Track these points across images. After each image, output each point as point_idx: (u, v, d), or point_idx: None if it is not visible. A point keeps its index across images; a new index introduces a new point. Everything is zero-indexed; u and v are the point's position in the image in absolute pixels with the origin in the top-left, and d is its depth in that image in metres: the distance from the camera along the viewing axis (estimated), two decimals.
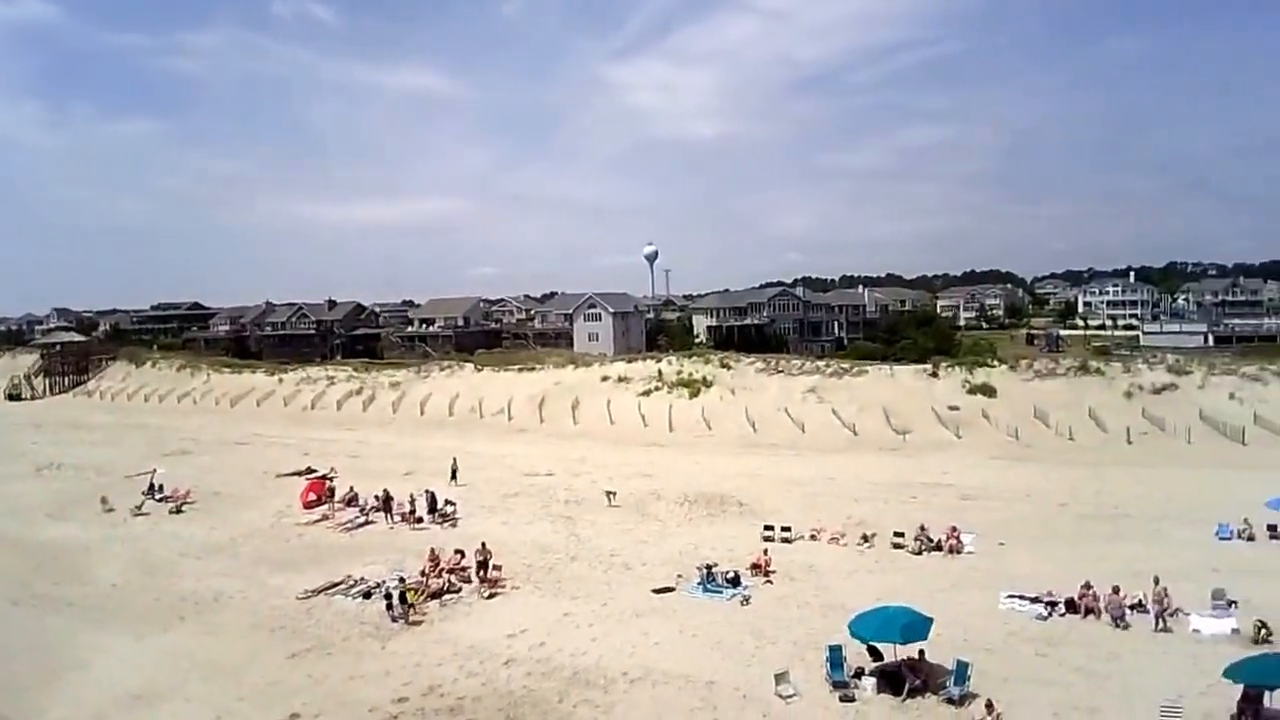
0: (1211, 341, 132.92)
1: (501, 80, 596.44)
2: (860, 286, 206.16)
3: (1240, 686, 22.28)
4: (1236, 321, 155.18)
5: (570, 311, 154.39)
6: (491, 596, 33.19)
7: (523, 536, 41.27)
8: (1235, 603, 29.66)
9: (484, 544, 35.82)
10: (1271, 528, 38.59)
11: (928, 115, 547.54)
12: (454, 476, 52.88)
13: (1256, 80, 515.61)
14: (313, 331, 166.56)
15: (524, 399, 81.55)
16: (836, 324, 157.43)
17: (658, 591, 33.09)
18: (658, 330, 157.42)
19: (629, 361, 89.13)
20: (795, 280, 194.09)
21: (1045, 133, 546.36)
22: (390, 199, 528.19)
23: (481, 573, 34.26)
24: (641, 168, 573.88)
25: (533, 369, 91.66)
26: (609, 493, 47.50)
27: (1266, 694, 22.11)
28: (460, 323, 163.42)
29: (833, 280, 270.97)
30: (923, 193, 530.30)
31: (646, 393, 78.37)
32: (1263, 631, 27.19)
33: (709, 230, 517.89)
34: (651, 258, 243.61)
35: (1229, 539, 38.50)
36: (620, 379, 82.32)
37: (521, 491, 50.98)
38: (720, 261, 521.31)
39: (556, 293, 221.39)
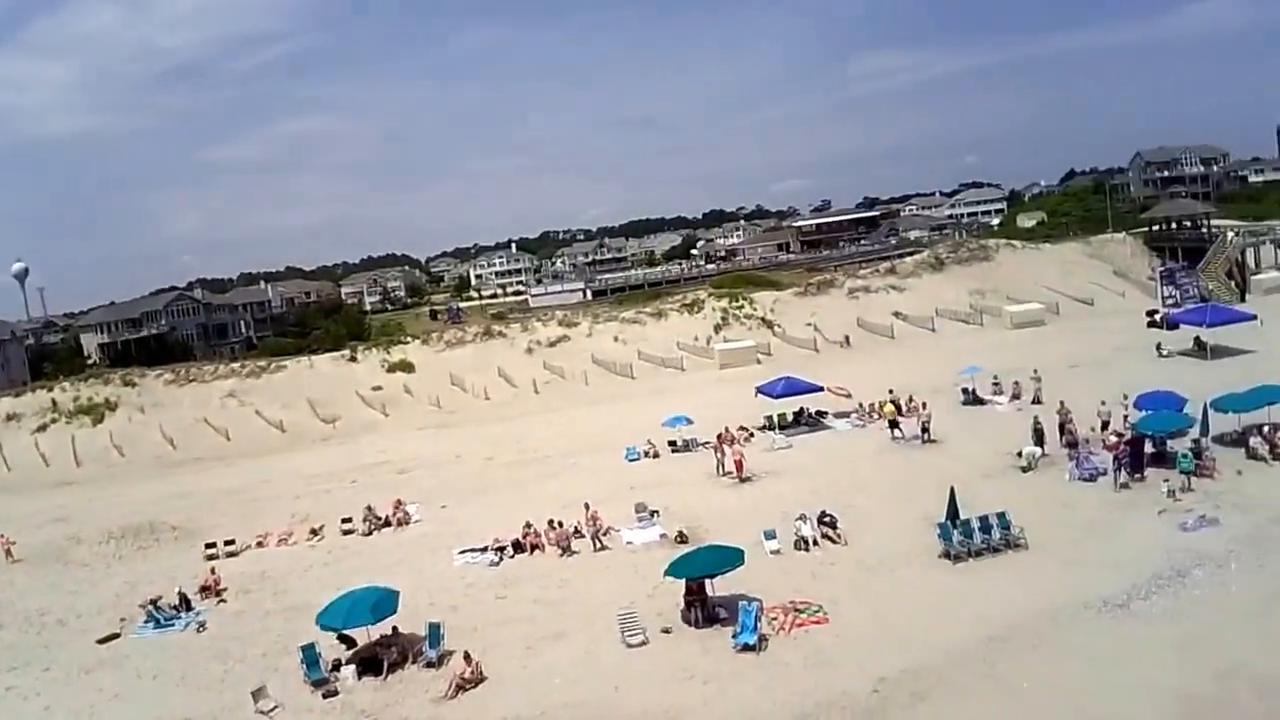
0: (590, 295, 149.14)
1: None
2: (262, 282, 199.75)
3: (682, 582, 25.58)
4: (607, 276, 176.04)
5: None
6: None
7: None
8: (657, 512, 34.38)
9: None
10: (671, 443, 44.81)
11: (309, 105, 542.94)
12: None
13: (608, 65, 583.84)
14: None
15: None
16: (243, 323, 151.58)
17: (103, 641, 29.85)
18: (41, 356, 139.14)
19: (15, 396, 77.47)
20: (191, 283, 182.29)
21: (425, 118, 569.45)
22: None
23: None
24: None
25: None
26: (8, 548, 41.52)
27: (707, 582, 25.59)
28: None
29: (232, 279, 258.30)
30: (312, 183, 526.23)
31: (43, 428, 69.08)
32: (683, 533, 31.69)
33: (89, 240, 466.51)
34: (21, 275, 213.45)
35: (637, 459, 44.12)
36: (9, 417, 71.50)
37: None
38: (105, 273, 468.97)
39: None
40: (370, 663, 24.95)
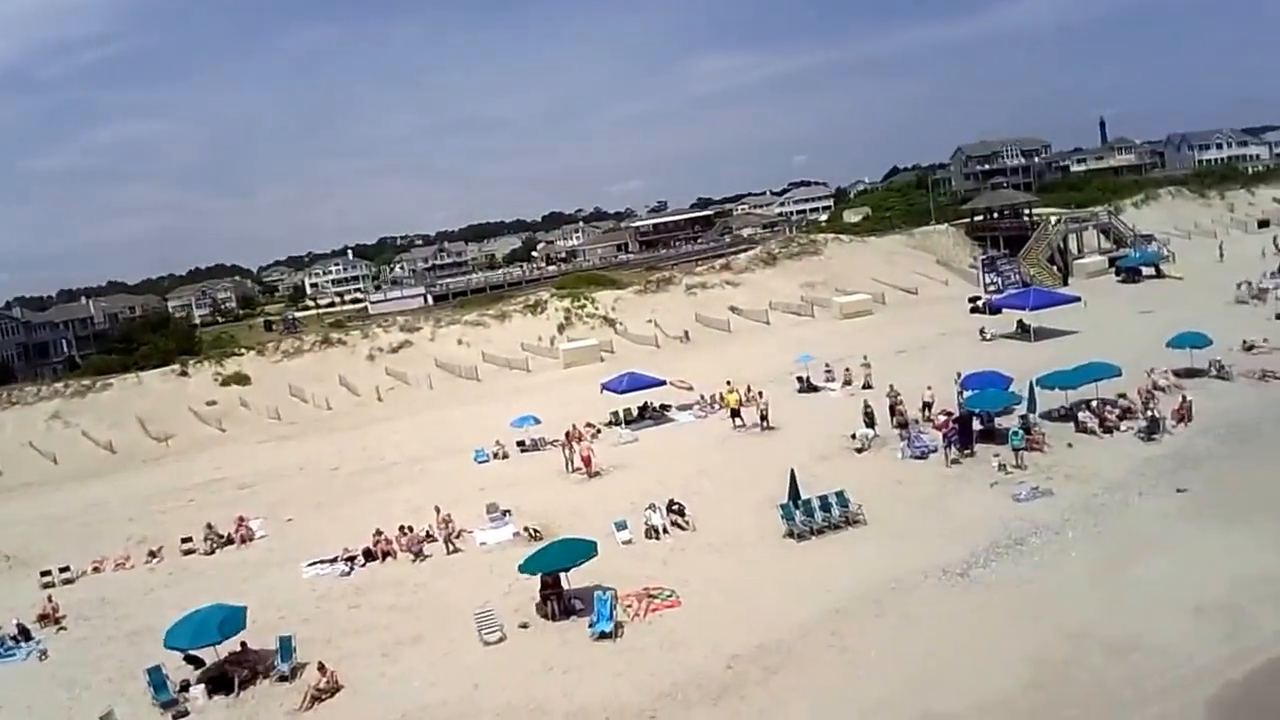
0: (431, 300, 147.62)
1: None
2: (84, 298, 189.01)
3: (538, 577, 25.99)
4: (448, 280, 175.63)
5: None
6: None
7: None
8: (509, 511, 34.56)
9: None
10: (520, 444, 44.98)
11: (127, 111, 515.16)
12: None
13: (444, 67, 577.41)
14: None
15: None
16: (65, 342, 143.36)
17: None
18: None
19: None
20: (9, 301, 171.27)
21: (254, 123, 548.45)
22: None
23: None
24: None
25: None
26: None
27: (562, 576, 26.11)
28: None
29: (51, 297, 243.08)
30: (133, 193, 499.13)
31: None
32: (534, 531, 31.97)
33: None
34: None
35: (486, 461, 44.10)
36: None
37: None
38: None
39: None
40: (220, 681, 24.38)
